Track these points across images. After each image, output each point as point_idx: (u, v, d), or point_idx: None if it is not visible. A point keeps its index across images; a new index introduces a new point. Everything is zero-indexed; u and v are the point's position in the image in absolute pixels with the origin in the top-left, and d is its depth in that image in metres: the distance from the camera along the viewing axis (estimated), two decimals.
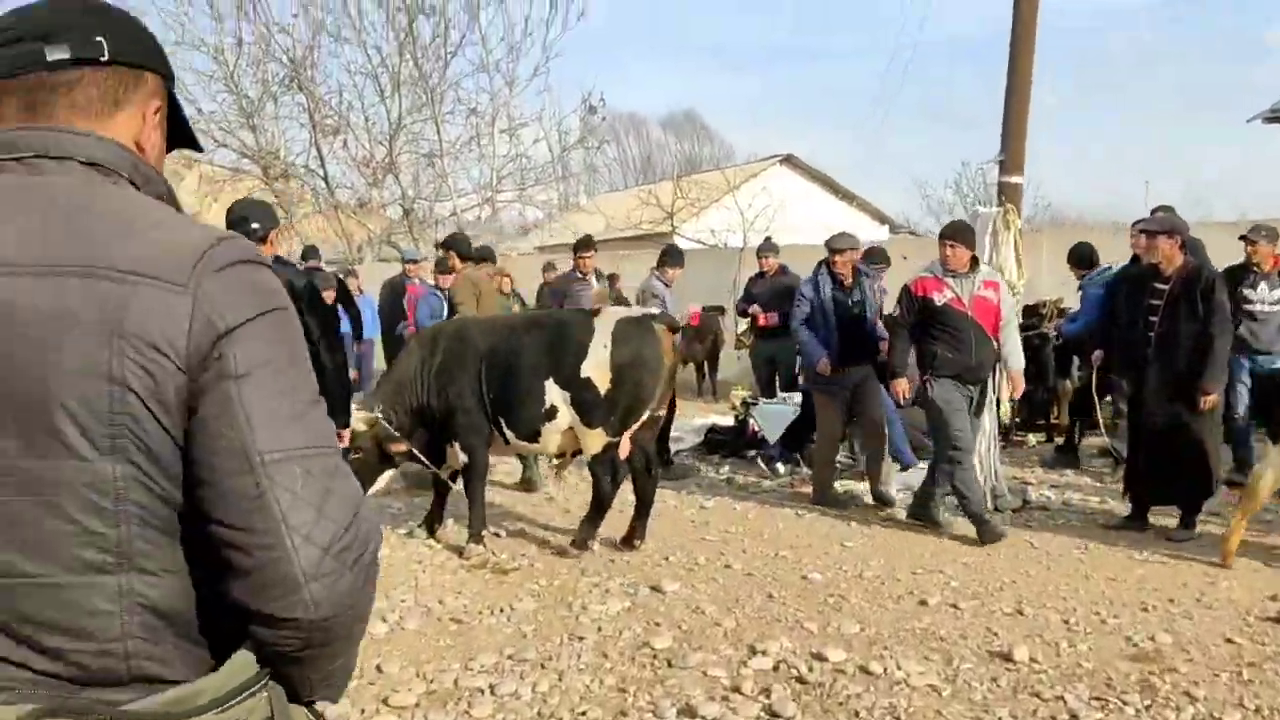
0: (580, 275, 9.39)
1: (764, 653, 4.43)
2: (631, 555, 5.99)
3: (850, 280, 7.34)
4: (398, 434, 6.00)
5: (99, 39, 1.16)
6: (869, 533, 6.52)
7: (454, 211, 20.10)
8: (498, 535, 6.49)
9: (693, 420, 10.57)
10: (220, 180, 20.66)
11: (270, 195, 20.51)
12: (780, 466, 8.42)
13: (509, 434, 6.00)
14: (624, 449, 5.87)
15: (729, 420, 9.72)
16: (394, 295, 11.19)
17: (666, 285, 8.82)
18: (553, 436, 5.92)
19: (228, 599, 1.09)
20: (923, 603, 5.11)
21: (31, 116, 1.14)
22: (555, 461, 6.65)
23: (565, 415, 5.81)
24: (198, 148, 1.37)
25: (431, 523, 6.55)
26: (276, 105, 20.33)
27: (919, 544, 6.21)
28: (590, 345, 5.74)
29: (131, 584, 1.06)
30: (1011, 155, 10.31)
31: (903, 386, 6.51)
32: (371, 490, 6.38)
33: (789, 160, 29.90)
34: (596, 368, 5.71)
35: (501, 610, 5.05)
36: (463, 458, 6.08)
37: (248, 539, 1.06)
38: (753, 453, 8.79)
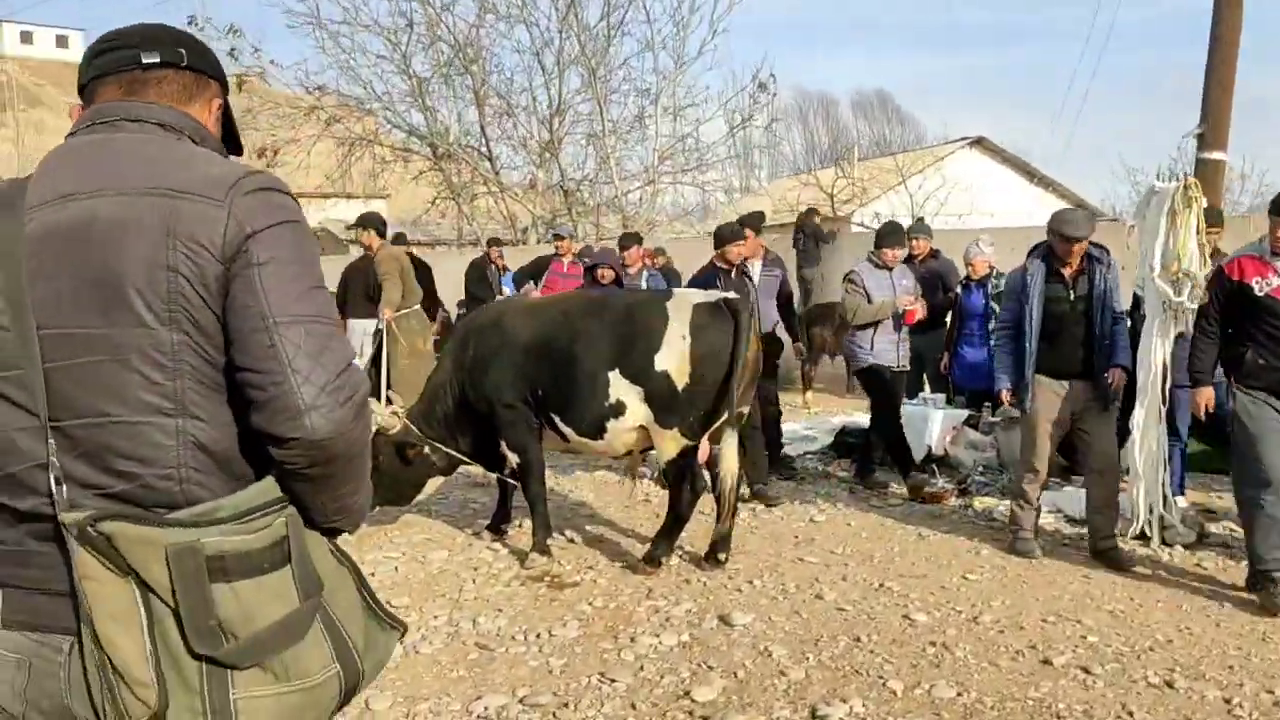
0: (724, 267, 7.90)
1: (826, 718, 3.62)
2: (711, 575, 5.23)
3: (1076, 270, 5.55)
4: (418, 438, 5.57)
5: (180, 50, 1.63)
6: (999, 564, 5.50)
7: (616, 194, 19.58)
8: (572, 541, 5.88)
9: (831, 418, 9.67)
10: (390, 161, 20.85)
11: (438, 176, 20.62)
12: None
13: (566, 430, 5.35)
14: (703, 453, 5.12)
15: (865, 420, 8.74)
16: (478, 275, 11.94)
17: (883, 266, 7.40)
18: (620, 435, 5.22)
19: (252, 427, 1.43)
20: (1046, 662, 4.14)
21: (125, 96, 1.57)
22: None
23: (636, 412, 5.11)
24: (239, 150, 1.76)
25: (497, 524, 6.00)
26: (447, 86, 20.31)
27: (1058, 582, 5.16)
28: (665, 334, 5.03)
29: (185, 426, 1.43)
30: (1213, 129, 8.93)
31: (1207, 397, 5.16)
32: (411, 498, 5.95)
33: (980, 143, 28.05)
34: (674, 360, 4.99)
35: (538, 635, 4.42)
36: (513, 457, 5.48)
37: (263, 378, 1.41)
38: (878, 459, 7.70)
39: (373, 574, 5.21)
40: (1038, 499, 5.70)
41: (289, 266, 1.46)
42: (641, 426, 5.16)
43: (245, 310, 1.41)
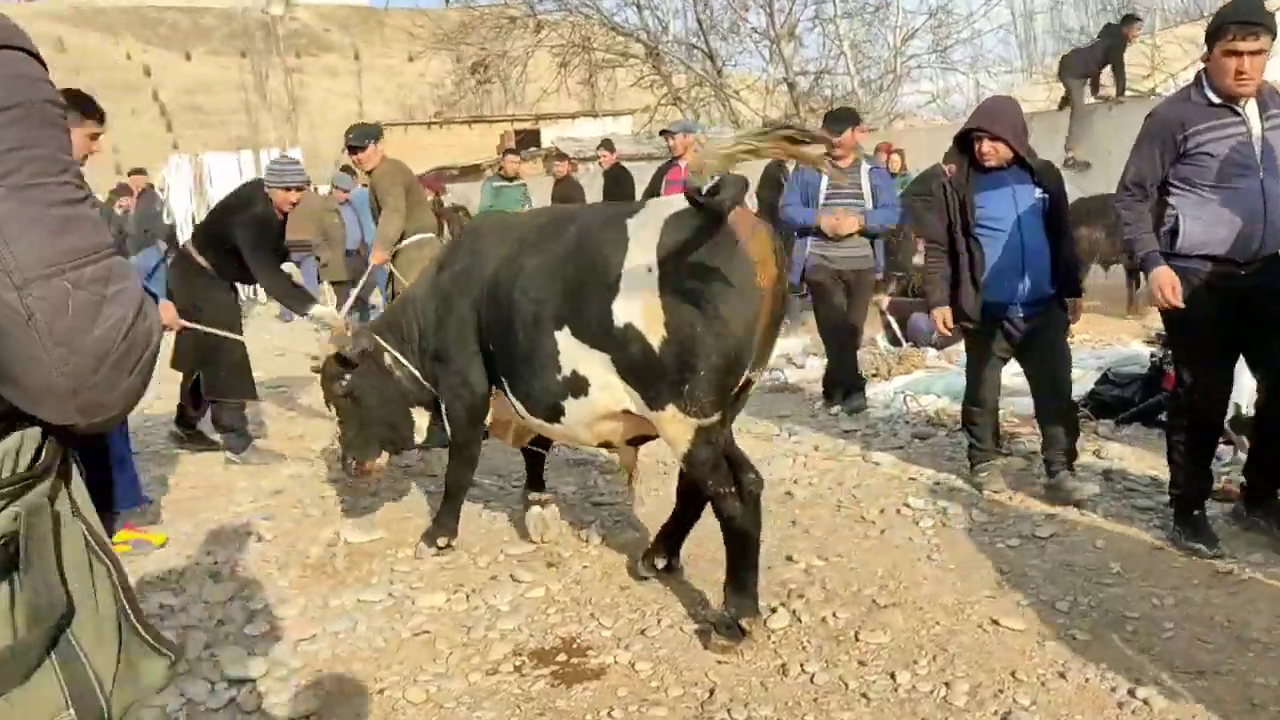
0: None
1: None
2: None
3: None
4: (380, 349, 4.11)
5: None
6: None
7: (851, 87, 16.89)
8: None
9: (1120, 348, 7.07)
10: (605, 67, 19.12)
11: (657, 76, 18.68)
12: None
13: (518, 405, 3.72)
14: None
15: (1139, 363, 6.10)
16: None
17: None
18: (585, 420, 3.49)
19: (3, 396, 1.04)
20: None
21: None
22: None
23: (606, 388, 3.33)
24: None
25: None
26: None
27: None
28: (623, 269, 3.17)
29: None
30: None
31: None
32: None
33: None
34: (637, 307, 3.13)
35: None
36: (448, 427, 3.97)
37: (12, 354, 0.99)
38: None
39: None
40: None
41: (34, 182, 0.98)
42: (625, 410, 3.32)
43: None
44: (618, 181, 10.95)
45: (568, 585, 3.89)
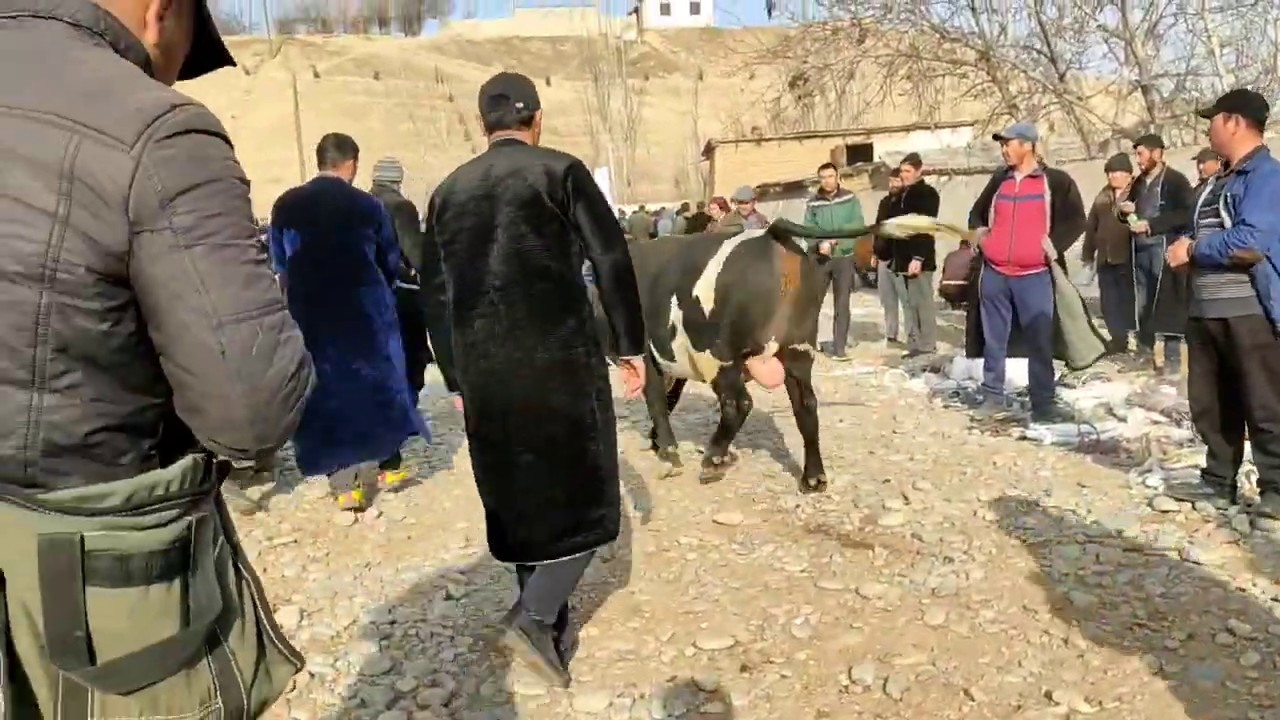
0: None
1: None
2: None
3: None
4: None
5: None
6: None
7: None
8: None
9: None
10: (937, 75, 17.86)
11: (990, 84, 17.21)
12: None
13: (656, 355, 5.77)
14: (767, 377, 5.37)
15: None
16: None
17: None
18: (681, 356, 5.62)
19: (187, 423, 1.20)
20: None
21: None
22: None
23: (680, 335, 5.56)
24: (221, 59, 1.42)
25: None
26: None
27: None
28: (707, 266, 5.42)
29: (41, 402, 1.13)
30: None
31: None
32: None
33: None
34: (704, 287, 5.39)
35: None
36: None
37: (203, 384, 1.15)
38: None
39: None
40: None
41: (227, 245, 1.16)
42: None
43: (179, 305, 1.14)
44: (920, 197, 10.00)
45: (755, 701, 3.20)
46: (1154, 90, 15.17)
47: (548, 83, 75.19)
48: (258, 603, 1.32)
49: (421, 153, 48.40)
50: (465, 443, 3.44)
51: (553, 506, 3.22)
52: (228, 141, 1.22)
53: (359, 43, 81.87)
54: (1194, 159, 8.57)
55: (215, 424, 1.18)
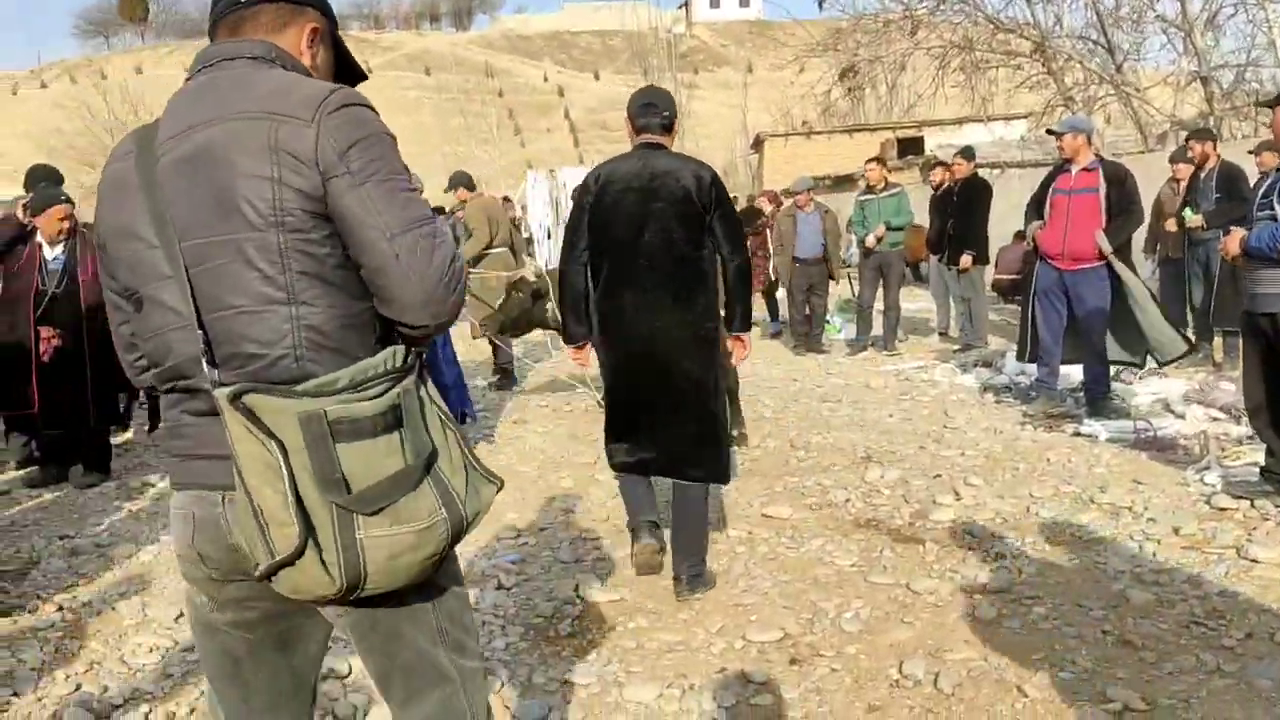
0: None
1: None
2: None
3: None
4: None
5: None
6: None
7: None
8: None
9: None
10: (992, 65, 17.62)
11: (1045, 75, 16.95)
12: None
13: None
14: None
15: None
16: None
17: None
18: None
19: (383, 315, 1.68)
20: None
21: (233, 34, 1.79)
22: None
23: None
24: (356, 76, 1.95)
25: None
26: None
27: None
28: None
29: (298, 312, 1.62)
30: None
31: None
32: None
33: None
34: None
35: None
36: None
37: (389, 281, 1.62)
38: None
39: None
40: None
41: (388, 179, 1.64)
42: None
43: (366, 227, 1.61)
44: (974, 191, 9.89)
45: (805, 694, 3.21)
46: (1213, 81, 14.86)
47: (596, 77, 75.21)
48: (460, 443, 1.72)
49: (472, 146, 48.64)
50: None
51: (679, 443, 3.93)
52: (373, 109, 1.69)
53: (411, 38, 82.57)
54: (1250, 152, 8.40)
55: (400, 309, 1.65)
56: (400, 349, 1.66)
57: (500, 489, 1.79)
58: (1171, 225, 8.50)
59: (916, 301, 13.45)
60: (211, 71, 1.74)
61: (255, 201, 1.60)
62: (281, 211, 1.60)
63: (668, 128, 4.00)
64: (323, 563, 1.55)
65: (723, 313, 4.18)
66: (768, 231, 12.23)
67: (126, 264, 1.73)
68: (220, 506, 1.67)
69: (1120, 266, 6.50)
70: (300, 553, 1.53)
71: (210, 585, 1.74)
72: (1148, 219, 8.03)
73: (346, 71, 1.93)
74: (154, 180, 1.68)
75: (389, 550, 1.58)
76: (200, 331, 1.62)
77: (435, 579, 1.75)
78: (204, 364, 1.61)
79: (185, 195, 1.65)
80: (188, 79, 1.78)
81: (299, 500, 1.53)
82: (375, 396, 1.59)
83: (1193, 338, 8.93)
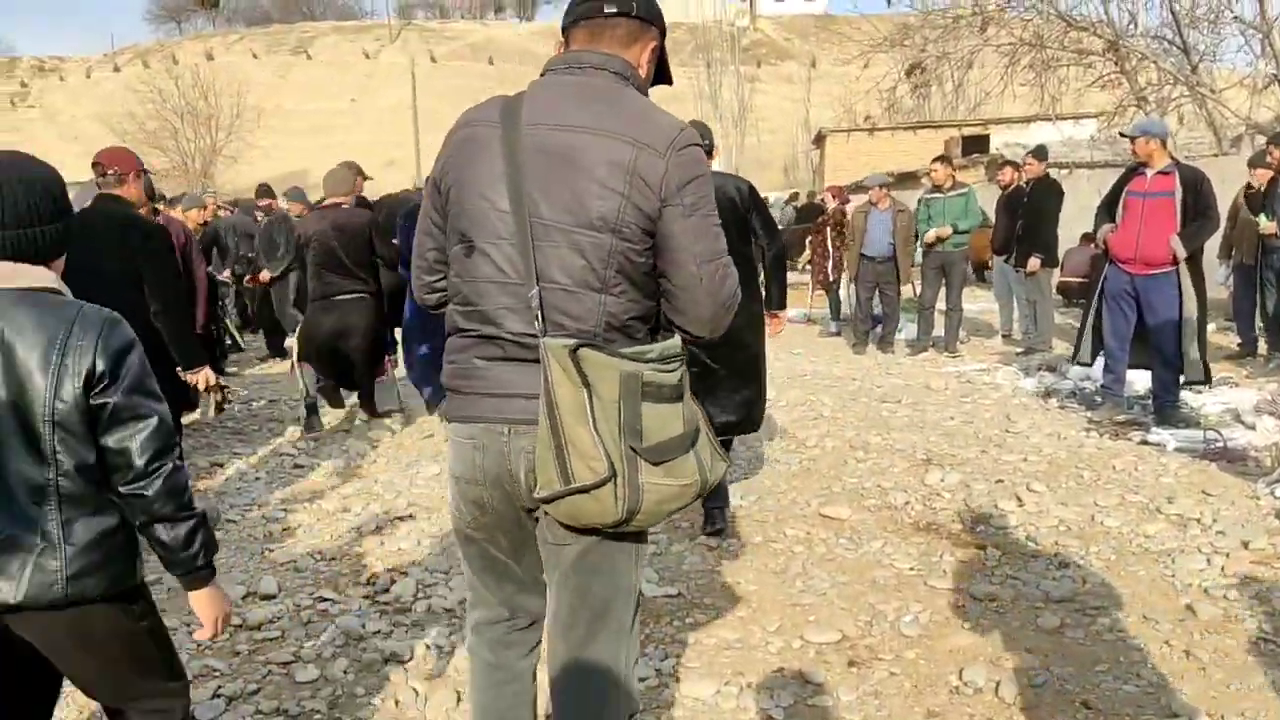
0: None
1: None
2: None
3: None
4: None
5: (633, 2, 2.10)
6: None
7: None
8: None
9: None
10: (1063, 64, 17.29)
11: (1118, 74, 16.61)
12: None
13: None
14: None
15: None
16: None
17: None
18: None
19: (671, 319, 2.08)
20: None
21: (590, 42, 2.09)
22: None
23: None
24: (668, 81, 2.24)
25: None
26: None
27: None
28: None
29: (605, 299, 1.97)
30: None
31: None
32: None
33: None
34: None
35: None
36: None
37: (689, 297, 2.02)
38: None
39: None
40: None
41: (708, 215, 2.01)
42: None
43: (683, 250, 1.99)
44: (1045, 192, 9.74)
45: (863, 697, 3.20)
46: (1276, 81, 14.44)
47: None
48: (706, 421, 2.08)
49: None
50: None
51: (738, 407, 4.57)
52: (704, 149, 2.06)
53: (475, 28, 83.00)
54: None
55: (688, 320, 2.05)
56: (679, 338, 2.03)
57: (729, 466, 2.19)
58: (1262, 225, 8.26)
59: (977, 302, 13.27)
60: (580, 75, 2.05)
61: (604, 210, 1.94)
62: (621, 223, 1.95)
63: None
64: (615, 496, 1.87)
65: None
66: (828, 230, 12.11)
67: (468, 215, 2.03)
68: (506, 437, 2.01)
69: (1185, 280, 6.37)
70: (603, 484, 1.86)
71: (477, 509, 2.10)
72: (1223, 225, 7.84)
73: (660, 76, 2.21)
74: (518, 157, 1.98)
75: (659, 496, 1.92)
76: (536, 289, 1.94)
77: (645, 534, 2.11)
78: (535, 321, 1.94)
79: (542, 181, 1.96)
80: (546, 72, 2.11)
81: (601, 441, 1.86)
82: (673, 370, 1.96)
83: (1262, 345, 8.75)
